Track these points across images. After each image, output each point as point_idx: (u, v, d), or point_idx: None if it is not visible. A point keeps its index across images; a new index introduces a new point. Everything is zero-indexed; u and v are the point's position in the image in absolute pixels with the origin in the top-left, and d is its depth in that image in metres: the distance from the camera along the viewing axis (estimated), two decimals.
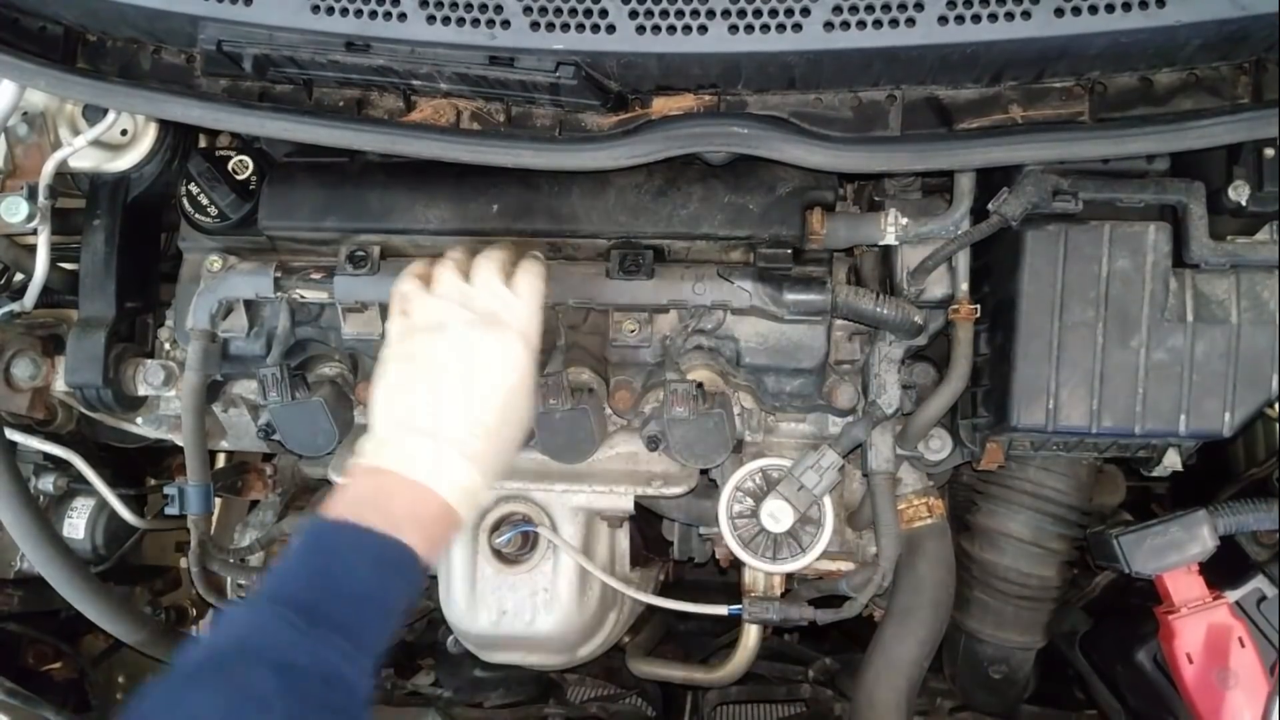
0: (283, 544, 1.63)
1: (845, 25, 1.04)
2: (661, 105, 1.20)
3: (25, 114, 1.45)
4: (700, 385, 1.34)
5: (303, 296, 1.40)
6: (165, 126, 1.47)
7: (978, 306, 1.32)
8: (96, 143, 1.43)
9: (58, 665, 1.89)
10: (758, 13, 1.04)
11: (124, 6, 1.16)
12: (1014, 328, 1.24)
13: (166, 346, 1.55)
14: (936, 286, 1.33)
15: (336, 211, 1.39)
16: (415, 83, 1.19)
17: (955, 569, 1.47)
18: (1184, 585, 1.31)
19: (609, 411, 1.45)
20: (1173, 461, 1.31)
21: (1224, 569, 1.34)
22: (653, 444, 1.40)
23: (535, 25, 1.06)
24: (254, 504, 1.70)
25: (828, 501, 1.36)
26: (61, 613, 1.77)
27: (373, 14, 1.08)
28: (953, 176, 1.31)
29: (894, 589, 1.44)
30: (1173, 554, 1.30)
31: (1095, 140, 1.14)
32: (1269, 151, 1.20)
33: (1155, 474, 1.35)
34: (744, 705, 1.94)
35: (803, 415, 1.48)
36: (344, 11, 1.09)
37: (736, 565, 1.50)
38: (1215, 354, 1.21)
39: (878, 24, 1.04)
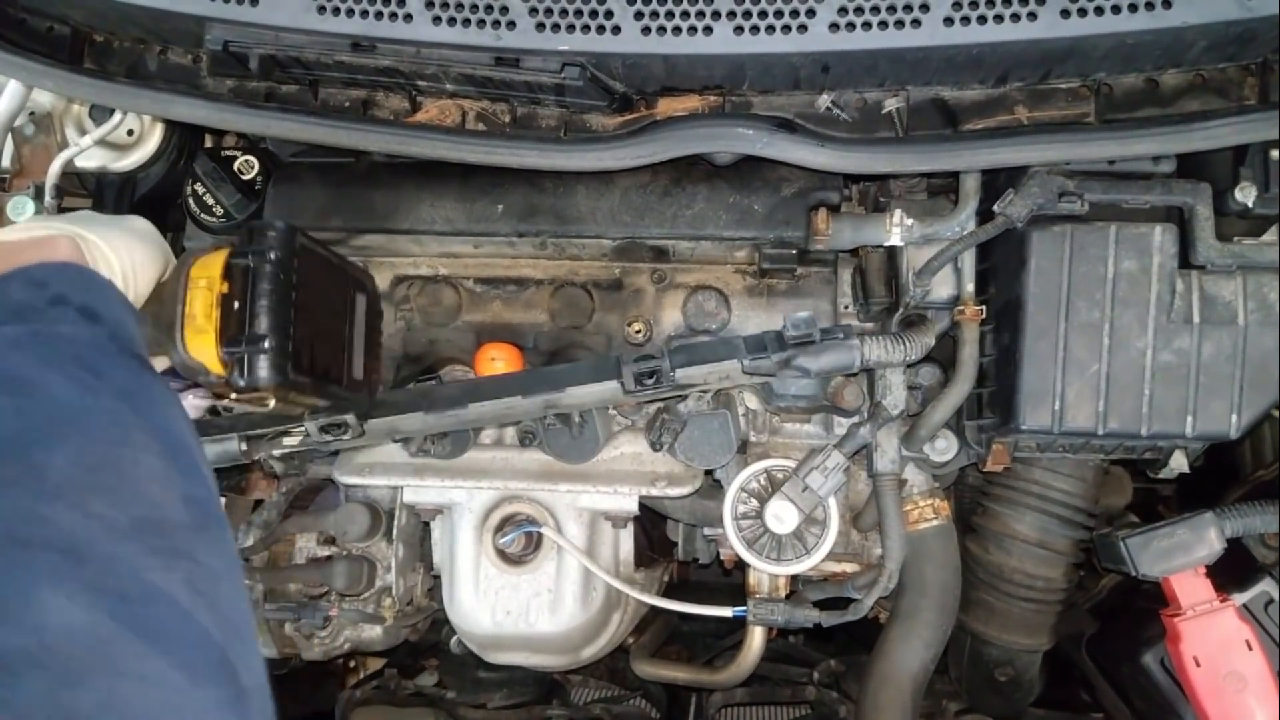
0: (287, 543, 1.64)
1: (850, 26, 1.04)
2: (667, 106, 1.20)
3: (32, 114, 1.46)
4: None
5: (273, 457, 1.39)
6: (171, 126, 1.47)
7: (983, 307, 1.32)
8: (103, 142, 1.43)
9: None
10: (763, 14, 1.04)
11: (130, 7, 1.17)
12: (1020, 329, 1.24)
13: None
14: (942, 287, 1.33)
15: (342, 211, 1.39)
16: (421, 83, 1.19)
17: (961, 571, 1.47)
18: (1191, 588, 1.30)
19: (613, 412, 1.45)
20: (1180, 463, 1.30)
21: (1231, 572, 1.34)
22: (657, 444, 1.40)
23: (540, 26, 1.06)
24: (258, 503, 1.70)
25: (833, 503, 1.36)
26: None
27: (378, 15, 1.09)
28: (958, 177, 1.30)
29: (899, 591, 1.44)
30: (1179, 556, 1.30)
31: (1101, 141, 1.13)
32: (1275, 153, 1.20)
33: (1162, 476, 1.34)
34: (748, 707, 1.94)
35: (808, 416, 1.48)
36: (350, 12, 1.09)
37: (741, 566, 1.49)
38: (1222, 355, 1.20)
39: (883, 25, 1.04)
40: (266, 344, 0.97)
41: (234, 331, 0.98)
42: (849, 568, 1.49)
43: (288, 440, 1.32)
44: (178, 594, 0.68)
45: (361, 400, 1.20)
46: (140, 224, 1.03)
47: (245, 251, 1.00)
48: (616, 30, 1.06)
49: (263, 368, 0.98)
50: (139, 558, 0.68)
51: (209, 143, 1.53)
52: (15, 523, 0.66)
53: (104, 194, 1.49)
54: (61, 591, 0.63)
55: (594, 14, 1.05)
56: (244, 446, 1.30)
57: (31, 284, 0.84)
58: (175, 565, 0.70)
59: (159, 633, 0.65)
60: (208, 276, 1.00)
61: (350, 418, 1.24)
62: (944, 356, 1.39)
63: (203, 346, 0.99)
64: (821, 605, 1.44)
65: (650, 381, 1.24)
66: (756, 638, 1.64)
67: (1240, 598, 1.32)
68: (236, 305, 0.98)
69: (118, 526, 0.69)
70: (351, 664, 2.10)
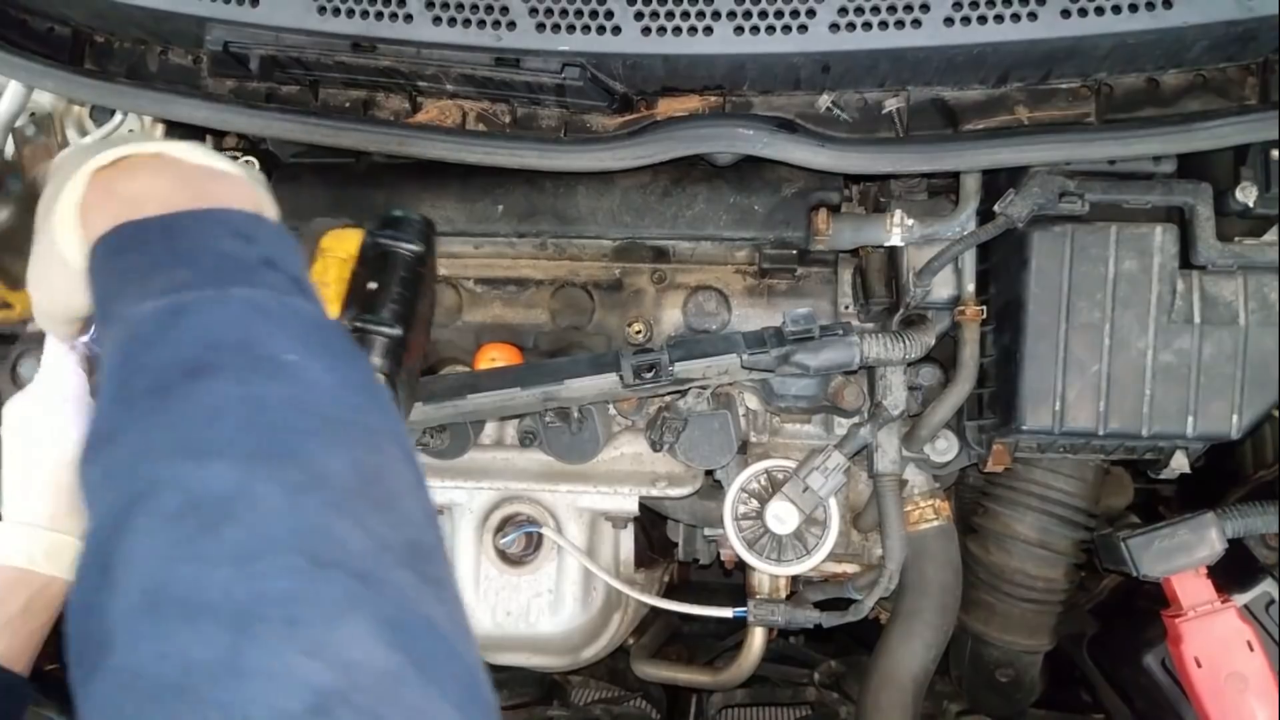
0: None
1: (851, 26, 1.04)
2: (667, 106, 1.20)
3: (33, 115, 1.46)
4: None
5: None
6: (172, 127, 1.47)
7: (984, 308, 1.32)
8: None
9: (58, 665, 1.89)
10: (763, 14, 1.04)
11: (131, 8, 1.17)
12: (1021, 329, 1.24)
13: None
14: (943, 288, 1.33)
15: (342, 212, 1.37)
16: (421, 84, 1.19)
17: (962, 571, 1.47)
18: (1192, 588, 1.30)
19: (613, 412, 1.45)
20: (1180, 464, 1.30)
21: (1232, 572, 1.34)
22: (658, 444, 1.40)
23: (541, 26, 1.07)
24: None
25: (833, 503, 1.36)
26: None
27: (379, 15, 1.09)
28: (958, 178, 1.30)
29: (900, 591, 1.44)
30: (1180, 557, 1.30)
31: (1102, 141, 1.13)
32: (1276, 153, 1.19)
33: (1163, 476, 1.34)
34: (748, 708, 1.93)
35: (808, 416, 1.48)
36: (350, 13, 1.09)
37: (742, 567, 1.49)
38: (1223, 356, 1.20)
39: (884, 25, 1.04)
40: (394, 330, 0.92)
41: (361, 308, 0.93)
42: (849, 568, 1.49)
43: None
44: (445, 628, 0.61)
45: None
46: (260, 175, 0.90)
47: (388, 236, 0.96)
48: (617, 30, 1.06)
49: (379, 352, 0.92)
50: (416, 587, 0.60)
51: (210, 143, 1.53)
52: (310, 539, 0.57)
53: None
54: (361, 624, 0.56)
55: (594, 14, 1.06)
56: None
57: (239, 237, 0.69)
58: (443, 596, 0.62)
59: (438, 670, 0.58)
60: (345, 249, 0.96)
61: None
62: (944, 357, 1.39)
63: None
64: (822, 606, 1.44)
65: (649, 375, 1.24)
66: (757, 638, 1.64)
67: (1241, 598, 1.32)
68: (373, 285, 0.94)
69: (395, 550, 0.61)
70: None
